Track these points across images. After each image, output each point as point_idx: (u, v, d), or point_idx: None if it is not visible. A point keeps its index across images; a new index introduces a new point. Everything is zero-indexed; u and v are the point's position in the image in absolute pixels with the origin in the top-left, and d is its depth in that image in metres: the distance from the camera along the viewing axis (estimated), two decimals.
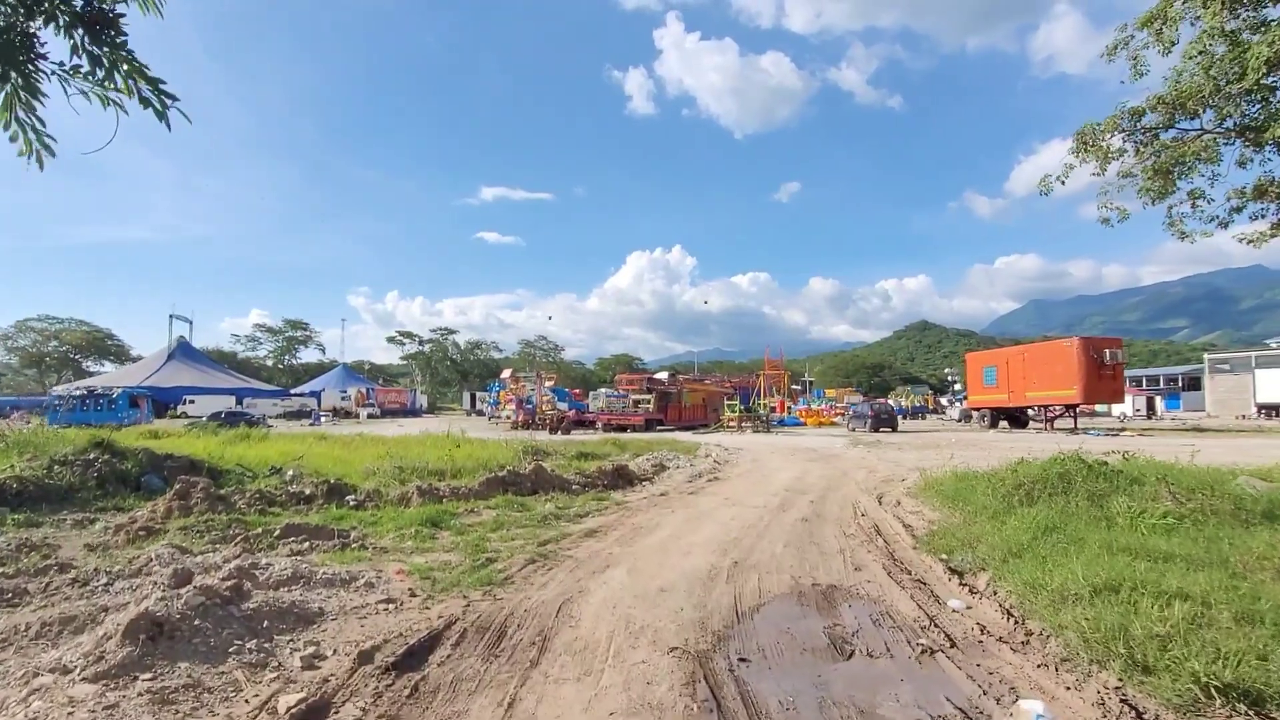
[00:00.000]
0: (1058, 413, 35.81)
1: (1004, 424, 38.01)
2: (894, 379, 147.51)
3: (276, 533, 8.10)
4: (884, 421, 36.85)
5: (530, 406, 48.18)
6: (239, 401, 67.53)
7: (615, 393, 47.77)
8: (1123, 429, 32.80)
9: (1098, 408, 36.27)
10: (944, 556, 7.42)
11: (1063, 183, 14.41)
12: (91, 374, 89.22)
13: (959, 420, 53.33)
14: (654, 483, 14.56)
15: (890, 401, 55.32)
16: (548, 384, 51.98)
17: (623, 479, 14.32)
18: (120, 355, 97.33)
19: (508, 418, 50.22)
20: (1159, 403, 60.59)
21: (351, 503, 10.46)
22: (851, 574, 6.91)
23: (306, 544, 7.79)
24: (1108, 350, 32.64)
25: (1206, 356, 62.75)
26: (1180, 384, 72.89)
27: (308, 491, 10.61)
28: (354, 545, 7.82)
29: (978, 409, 40.21)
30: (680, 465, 17.61)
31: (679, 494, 12.68)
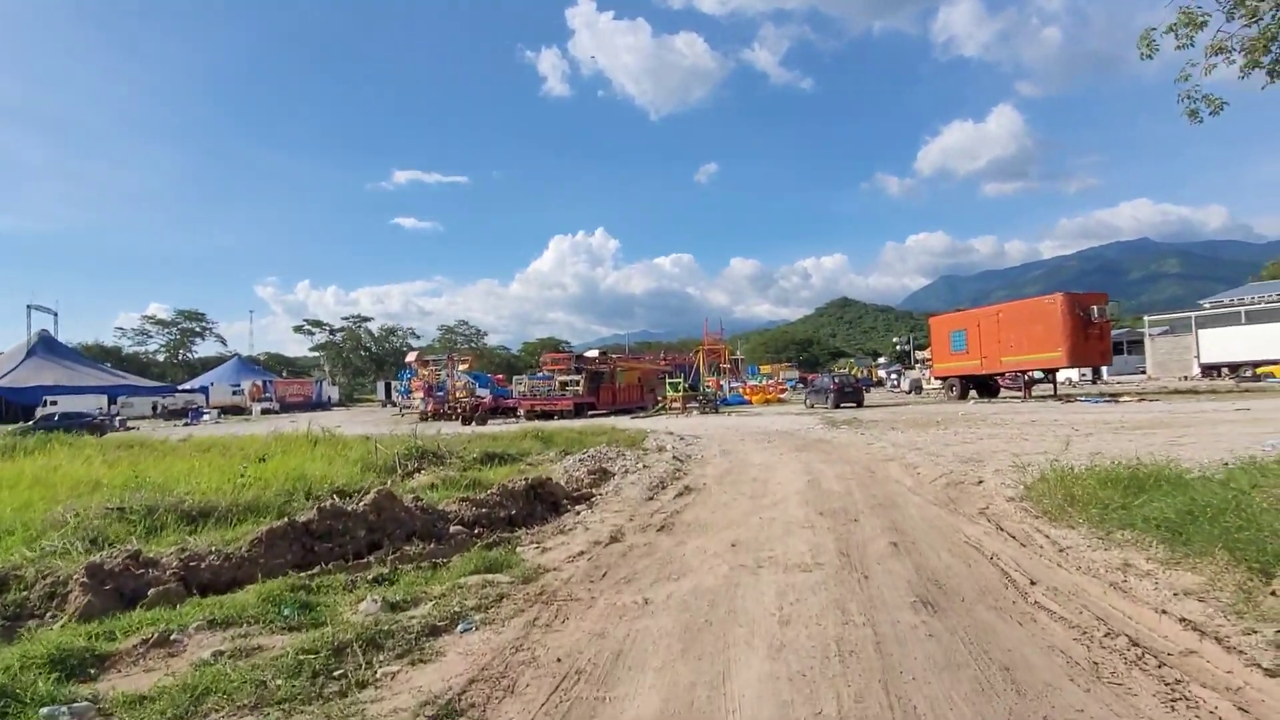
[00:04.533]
0: (1036, 379, 32.26)
1: (973, 394, 34.20)
2: (822, 354, 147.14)
3: None
4: (848, 396, 32.30)
5: (441, 394, 41.68)
6: (112, 400, 58.85)
7: (540, 374, 41.77)
8: (1120, 394, 29.33)
9: (1036, 373, 32.90)
10: None
11: (1174, 39, 9.63)
12: None
13: (909, 391, 50.04)
14: (594, 505, 8.97)
15: (850, 374, 51.20)
16: (461, 368, 45.34)
17: (543, 503, 8.70)
18: None
19: (417, 408, 43.68)
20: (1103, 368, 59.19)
21: None
22: None
23: None
24: (1094, 306, 28.97)
25: (1146, 319, 61.80)
26: None
27: None
28: None
29: (945, 378, 36.28)
30: (629, 468, 12.07)
31: (642, 534, 7.12)
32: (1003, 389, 35.12)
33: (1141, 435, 13.31)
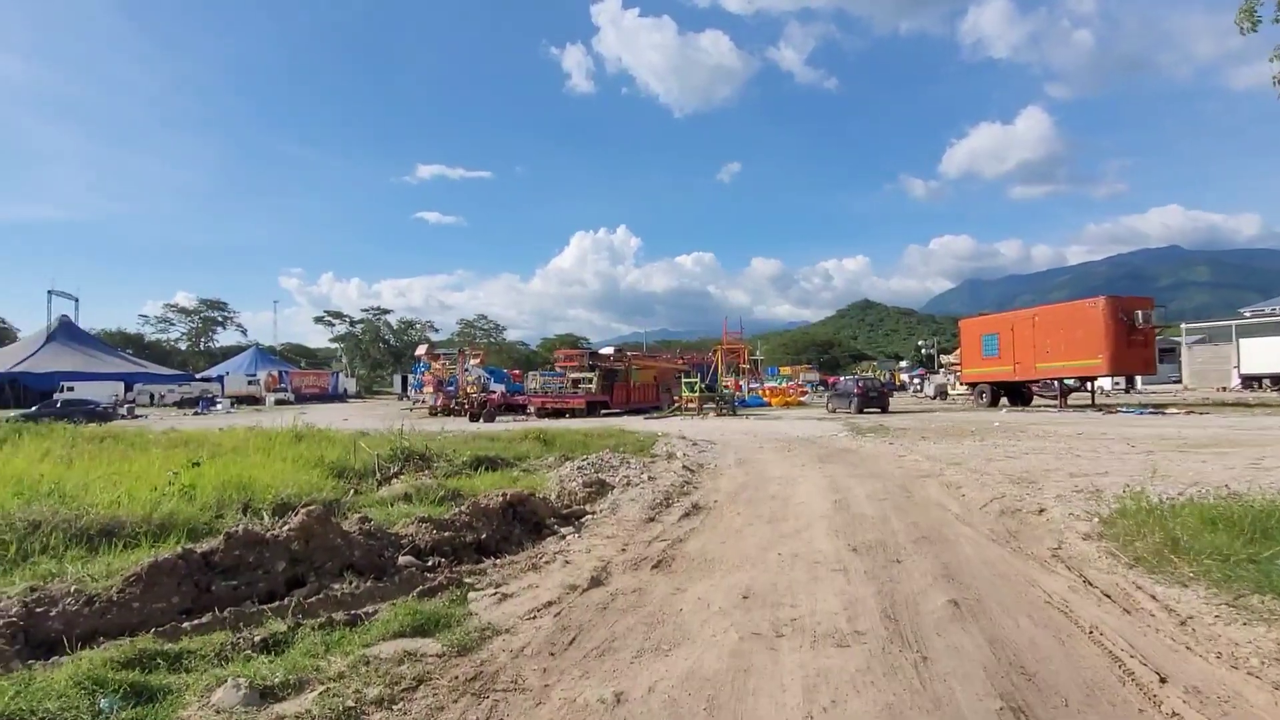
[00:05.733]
0: (1071, 387, 30.38)
1: (1004, 401, 32.39)
2: (843, 356, 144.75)
3: None
4: (873, 400, 30.62)
5: (451, 389, 40.59)
6: (128, 387, 59.02)
7: (553, 371, 40.52)
8: (1166, 405, 27.42)
9: (1070, 381, 30.98)
10: None
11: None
12: None
13: (934, 397, 48.03)
14: (583, 528, 7.63)
15: (875, 377, 49.19)
16: (473, 362, 44.21)
17: (523, 523, 7.37)
18: (4, 337, 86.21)
19: (428, 402, 42.79)
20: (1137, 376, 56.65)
21: None
22: None
23: None
24: (1139, 311, 27.10)
25: (1183, 327, 59.09)
26: None
27: None
28: None
29: (974, 383, 34.46)
30: (632, 479, 10.70)
31: (633, 573, 5.77)
32: (1035, 397, 33.28)
33: (1214, 456, 11.70)
